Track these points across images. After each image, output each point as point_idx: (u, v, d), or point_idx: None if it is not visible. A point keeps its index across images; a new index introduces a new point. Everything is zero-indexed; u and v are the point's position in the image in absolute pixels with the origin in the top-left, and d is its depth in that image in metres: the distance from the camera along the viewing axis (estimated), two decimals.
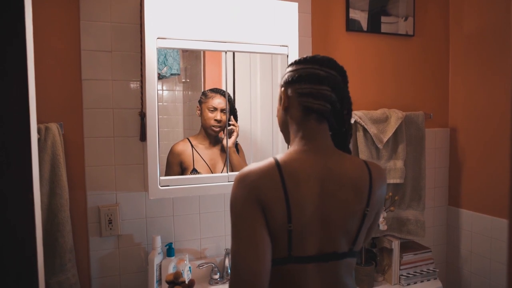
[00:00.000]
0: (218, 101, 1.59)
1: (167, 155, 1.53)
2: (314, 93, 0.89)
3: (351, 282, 0.93)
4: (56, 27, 1.48)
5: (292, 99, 0.92)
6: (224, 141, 1.60)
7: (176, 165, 1.55)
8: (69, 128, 1.51)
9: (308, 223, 0.85)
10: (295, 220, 0.84)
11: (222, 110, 1.58)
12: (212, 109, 1.58)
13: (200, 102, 1.59)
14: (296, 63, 0.94)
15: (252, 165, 0.86)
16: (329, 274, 0.89)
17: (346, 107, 0.93)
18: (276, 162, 0.86)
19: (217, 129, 1.60)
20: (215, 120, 1.58)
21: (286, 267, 0.86)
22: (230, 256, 0.87)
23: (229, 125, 1.60)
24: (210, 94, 1.59)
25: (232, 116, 1.61)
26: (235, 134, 1.61)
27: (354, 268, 0.96)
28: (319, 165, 0.88)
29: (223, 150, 1.61)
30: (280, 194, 0.83)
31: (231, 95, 1.61)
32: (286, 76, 0.95)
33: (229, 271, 1.67)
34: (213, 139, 1.61)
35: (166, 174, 1.51)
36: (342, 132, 0.95)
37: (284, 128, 0.98)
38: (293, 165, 0.86)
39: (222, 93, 1.59)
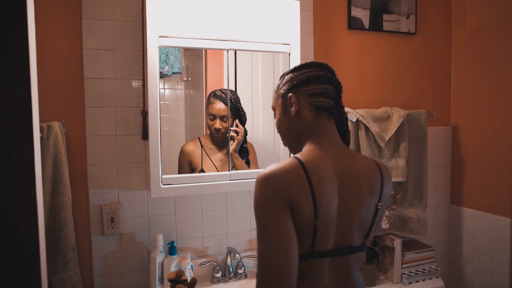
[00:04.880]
0: (218, 108, 1.55)
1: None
2: (324, 92, 0.95)
3: (359, 275, 0.98)
4: (58, 25, 1.48)
5: (301, 101, 0.96)
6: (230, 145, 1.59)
7: (186, 165, 1.55)
8: (71, 126, 1.51)
9: (331, 218, 0.89)
10: (321, 215, 0.86)
11: (222, 117, 1.56)
12: (211, 117, 1.56)
13: (206, 106, 1.58)
14: (297, 69, 1.00)
15: (273, 166, 0.87)
16: (343, 267, 0.93)
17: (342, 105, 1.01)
18: (299, 161, 0.88)
19: (219, 135, 1.58)
20: (214, 128, 1.56)
21: (307, 263, 0.88)
22: (258, 257, 0.86)
23: (232, 130, 1.57)
24: (211, 99, 1.56)
25: (237, 120, 1.58)
26: (236, 140, 1.58)
27: (362, 262, 1.01)
28: (337, 161, 0.92)
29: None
30: (307, 192, 0.85)
31: (233, 94, 1.60)
32: (290, 81, 0.99)
33: (231, 269, 1.67)
34: (221, 141, 1.60)
35: (179, 173, 1.53)
36: (342, 130, 1.00)
37: (293, 134, 1.00)
38: (315, 162, 0.89)
39: (222, 99, 1.55)
